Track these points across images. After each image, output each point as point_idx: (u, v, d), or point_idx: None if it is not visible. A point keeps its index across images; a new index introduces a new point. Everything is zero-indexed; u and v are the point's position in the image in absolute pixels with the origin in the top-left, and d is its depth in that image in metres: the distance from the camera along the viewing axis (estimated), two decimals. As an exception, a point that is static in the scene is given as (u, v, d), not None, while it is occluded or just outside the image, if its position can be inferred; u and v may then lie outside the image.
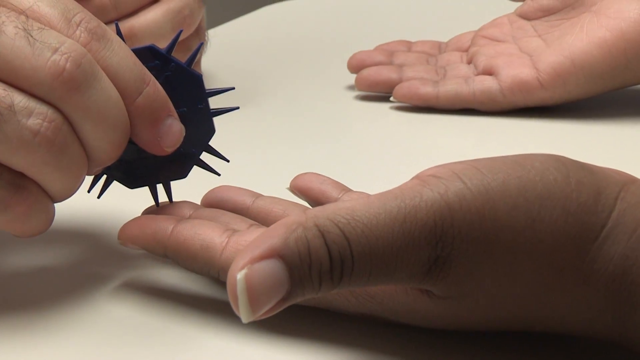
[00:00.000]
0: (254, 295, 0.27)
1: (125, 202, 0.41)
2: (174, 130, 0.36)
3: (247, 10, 0.92)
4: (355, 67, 0.64)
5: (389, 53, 0.65)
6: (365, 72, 0.62)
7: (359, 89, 0.63)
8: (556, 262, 0.29)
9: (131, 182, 0.38)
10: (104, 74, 0.34)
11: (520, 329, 0.31)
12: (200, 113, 0.38)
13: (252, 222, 0.37)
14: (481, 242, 0.29)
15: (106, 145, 0.35)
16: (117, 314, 0.36)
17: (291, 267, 0.28)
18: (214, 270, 0.35)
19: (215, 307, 0.36)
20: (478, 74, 0.60)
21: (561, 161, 0.30)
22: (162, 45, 0.58)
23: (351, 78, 0.65)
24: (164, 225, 0.35)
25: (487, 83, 0.59)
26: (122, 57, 0.35)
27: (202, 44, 0.41)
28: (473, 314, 0.30)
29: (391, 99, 0.60)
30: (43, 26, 0.34)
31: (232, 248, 0.34)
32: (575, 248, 0.29)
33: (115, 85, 0.34)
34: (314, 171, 0.41)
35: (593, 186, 0.29)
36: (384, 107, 0.61)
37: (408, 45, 0.67)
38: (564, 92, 0.57)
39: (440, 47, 0.67)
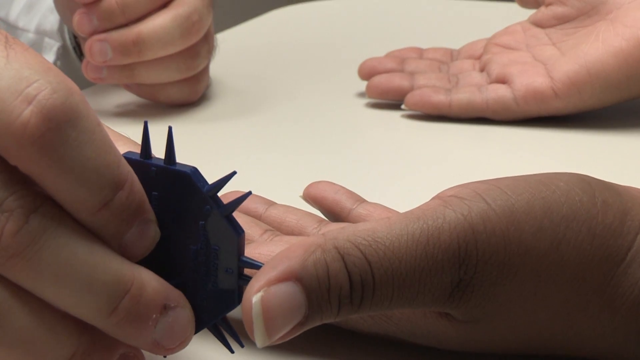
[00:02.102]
0: (270, 320, 0.27)
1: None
2: (137, 235, 0.28)
3: (255, 14, 0.91)
4: (366, 74, 0.63)
5: (400, 60, 0.64)
6: (377, 80, 0.62)
7: (370, 97, 0.62)
8: (581, 286, 0.28)
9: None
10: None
11: (541, 352, 0.30)
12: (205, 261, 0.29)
13: (266, 227, 0.37)
14: (505, 265, 0.28)
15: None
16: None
17: (309, 291, 0.27)
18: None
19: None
20: (491, 83, 0.60)
21: (586, 181, 0.29)
22: (169, 51, 0.58)
23: (362, 85, 0.64)
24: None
25: (500, 92, 0.58)
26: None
27: (234, 172, 0.29)
28: (493, 336, 0.29)
29: (403, 106, 0.60)
30: None
31: (245, 261, 0.34)
32: (600, 271, 0.28)
33: None
34: (325, 179, 0.40)
35: (619, 207, 0.29)
36: (396, 115, 0.61)
37: (419, 52, 0.66)
38: (579, 102, 0.57)
39: (452, 55, 0.66)
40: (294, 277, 0.27)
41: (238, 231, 0.28)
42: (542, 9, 0.62)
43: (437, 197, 0.29)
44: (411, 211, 0.29)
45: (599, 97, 0.56)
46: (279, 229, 0.38)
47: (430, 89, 0.59)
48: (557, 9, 0.61)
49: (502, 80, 0.59)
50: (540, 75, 0.57)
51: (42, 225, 0.26)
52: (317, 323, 0.27)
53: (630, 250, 0.28)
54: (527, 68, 0.58)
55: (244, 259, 0.28)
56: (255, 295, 0.27)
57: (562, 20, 0.61)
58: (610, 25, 0.57)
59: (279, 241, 0.34)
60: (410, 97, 0.59)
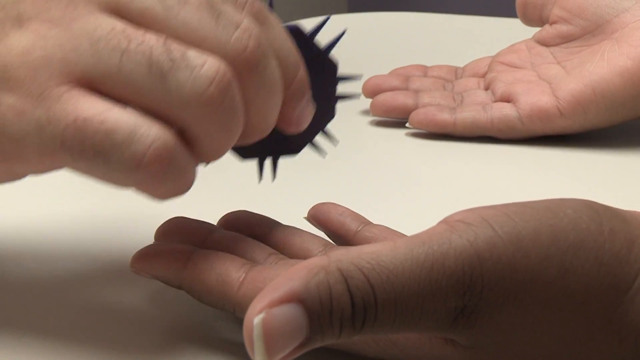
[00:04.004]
0: (271, 341, 0.26)
1: (137, 228, 0.41)
2: (308, 111, 0.37)
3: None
4: (371, 91, 0.63)
5: (404, 78, 0.64)
6: (381, 97, 0.61)
7: (374, 114, 0.62)
8: (587, 314, 0.28)
9: (244, 154, 0.39)
10: (273, 56, 0.34)
11: (547, 379, 0.30)
12: (327, 97, 0.39)
13: (271, 250, 0.37)
14: (511, 292, 0.28)
15: (263, 120, 0.34)
16: (123, 345, 0.35)
17: (311, 313, 0.27)
18: (229, 305, 0.34)
19: (228, 346, 0.35)
20: (496, 101, 0.60)
21: (594, 208, 0.29)
22: None
23: (366, 103, 0.64)
24: (179, 256, 0.35)
25: (505, 110, 0.58)
26: (283, 39, 0.35)
27: (345, 30, 0.41)
28: (498, 363, 0.29)
29: (407, 125, 0.59)
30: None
31: (249, 284, 0.33)
32: (607, 300, 0.28)
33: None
34: (329, 198, 0.40)
35: (626, 235, 0.28)
36: (400, 133, 0.60)
37: (424, 70, 0.66)
38: (584, 121, 0.57)
39: (456, 72, 0.66)
40: (297, 299, 0.27)
41: (335, 61, 0.39)
42: (547, 27, 0.62)
43: (444, 221, 0.29)
44: (417, 235, 0.29)
45: (604, 116, 0.56)
46: (284, 251, 0.38)
47: (435, 107, 0.59)
48: (562, 28, 0.61)
49: (507, 99, 0.59)
50: (545, 94, 0.57)
51: (267, 48, 0.34)
52: (318, 345, 0.27)
53: (637, 278, 0.28)
54: (532, 87, 0.58)
55: (340, 77, 0.39)
56: (257, 316, 0.26)
57: (567, 39, 0.61)
58: (615, 45, 0.57)
59: (284, 265, 0.34)
60: (414, 116, 0.59)
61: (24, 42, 0.32)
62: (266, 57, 0.33)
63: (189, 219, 0.38)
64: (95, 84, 0.32)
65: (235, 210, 0.40)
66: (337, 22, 0.91)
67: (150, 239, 0.44)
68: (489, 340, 0.28)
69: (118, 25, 0.32)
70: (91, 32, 0.32)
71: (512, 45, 0.65)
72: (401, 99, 0.61)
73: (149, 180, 0.32)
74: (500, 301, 0.28)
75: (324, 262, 0.27)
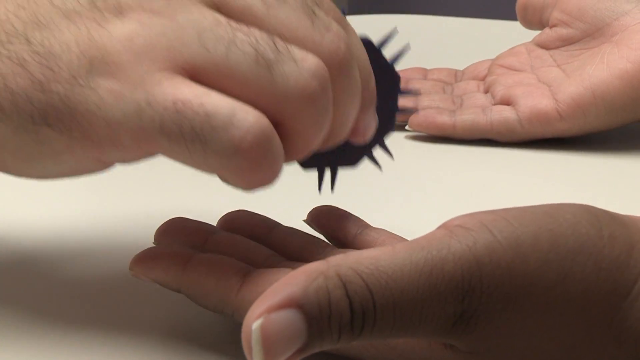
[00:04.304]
0: (269, 346, 0.26)
1: (137, 228, 0.41)
2: (374, 122, 0.37)
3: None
4: (371, 94, 0.63)
5: (404, 80, 0.64)
6: (381, 100, 0.61)
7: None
8: (586, 320, 0.28)
9: (306, 163, 0.40)
10: (355, 62, 0.35)
11: (546, 384, 0.30)
12: (388, 110, 0.39)
13: (271, 252, 0.37)
14: (510, 297, 0.28)
15: (343, 124, 0.35)
16: (121, 348, 0.35)
17: (310, 318, 0.27)
18: (228, 310, 0.34)
19: (227, 350, 0.35)
20: (495, 104, 0.60)
21: (593, 213, 0.29)
22: None
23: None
24: (178, 259, 0.35)
25: (505, 113, 0.58)
26: (361, 49, 0.36)
27: (407, 45, 0.42)
28: (498, 368, 0.29)
29: (407, 127, 0.59)
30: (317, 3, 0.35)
31: (248, 288, 0.33)
32: (607, 305, 0.28)
33: None
34: (328, 200, 0.40)
35: (626, 240, 0.28)
36: (400, 136, 0.60)
37: (424, 73, 0.66)
38: (584, 124, 0.57)
39: (456, 75, 0.66)
40: (295, 304, 0.27)
41: (398, 75, 0.39)
42: (547, 30, 0.62)
43: (443, 226, 0.29)
44: (416, 240, 0.28)
45: (604, 119, 0.56)
46: (283, 253, 0.38)
47: (435, 110, 0.59)
48: (562, 31, 0.61)
49: (506, 102, 0.59)
50: (544, 97, 0.57)
51: (353, 53, 0.34)
52: (317, 350, 0.27)
53: (636, 283, 0.28)
54: (532, 90, 0.58)
55: (402, 91, 0.40)
56: (255, 322, 0.26)
57: (566, 42, 0.61)
58: (615, 48, 0.57)
59: (283, 268, 0.34)
60: (414, 118, 0.59)
61: (127, 29, 0.32)
62: (353, 62, 0.34)
63: (188, 219, 0.38)
64: (198, 74, 0.32)
65: (234, 210, 0.40)
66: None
67: (150, 239, 0.44)
68: (488, 345, 0.28)
69: (222, 18, 0.32)
70: (196, 23, 0.32)
71: (512, 48, 0.65)
72: (400, 101, 0.61)
73: (246, 166, 0.32)
74: (499, 306, 0.28)
75: (323, 267, 0.27)
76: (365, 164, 0.43)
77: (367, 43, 0.38)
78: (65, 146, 0.33)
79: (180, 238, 0.37)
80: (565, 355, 0.28)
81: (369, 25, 0.91)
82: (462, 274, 0.27)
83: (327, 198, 0.50)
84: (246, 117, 0.31)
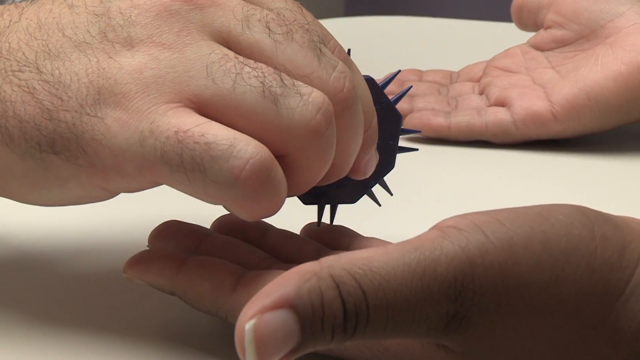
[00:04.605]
0: (262, 347, 0.26)
1: (131, 231, 0.41)
2: (375, 160, 0.38)
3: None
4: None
5: (399, 82, 0.64)
6: (376, 102, 0.62)
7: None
8: (579, 321, 0.28)
9: (306, 198, 0.40)
10: (359, 100, 0.36)
11: (539, 384, 0.30)
12: (389, 148, 0.40)
13: (264, 254, 0.37)
14: (502, 298, 0.28)
15: (345, 160, 0.35)
16: (115, 350, 0.35)
17: (303, 319, 0.27)
18: (222, 312, 0.34)
19: (222, 350, 0.35)
20: (490, 106, 0.60)
21: (585, 214, 0.29)
22: None
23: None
24: (172, 262, 0.35)
25: (499, 115, 0.58)
26: (365, 87, 0.37)
27: (410, 88, 0.42)
28: (491, 369, 0.29)
29: (402, 129, 0.59)
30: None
31: (242, 290, 0.33)
32: (599, 306, 0.28)
33: None
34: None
35: (618, 241, 0.28)
36: (395, 137, 0.60)
37: (419, 75, 0.66)
38: (578, 125, 0.57)
39: (451, 77, 0.66)
40: (288, 304, 0.27)
41: (400, 114, 0.40)
42: (542, 32, 0.62)
43: (436, 227, 0.29)
44: (409, 241, 0.29)
45: (598, 120, 0.56)
46: (277, 255, 0.38)
47: (430, 111, 0.59)
48: (557, 33, 0.61)
49: (501, 104, 0.59)
50: (539, 98, 0.57)
51: (356, 90, 0.35)
52: (310, 350, 0.27)
53: (629, 283, 0.28)
54: (527, 91, 0.58)
55: (402, 130, 0.41)
56: (248, 322, 0.26)
57: (561, 44, 0.61)
58: (609, 49, 0.57)
59: (277, 270, 0.34)
60: (409, 120, 0.59)
61: (136, 61, 0.33)
62: (357, 99, 0.35)
63: (182, 222, 0.38)
64: (206, 106, 0.33)
65: (228, 213, 0.40)
66: (333, 27, 0.91)
67: (144, 242, 0.44)
68: (481, 346, 0.28)
69: (230, 53, 0.33)
70: (205, 57, 0.33)
71: (507, 50, 0.65)
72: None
73: (246, 196, 0.32)
74: (491, 307, 0.28)
75: (316, 268, 0.27)
76: (365, 199, 0.44)
77: (370, 81, 0.39)
78: (71, 174, 0.33)
79: (174, 241, 0.37)
80: (558, 357, 0.28)
81: (364, 27, 0.91)
82: (454, 274, 0.27)
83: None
84: (246, 148, 0.32)
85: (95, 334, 0.36)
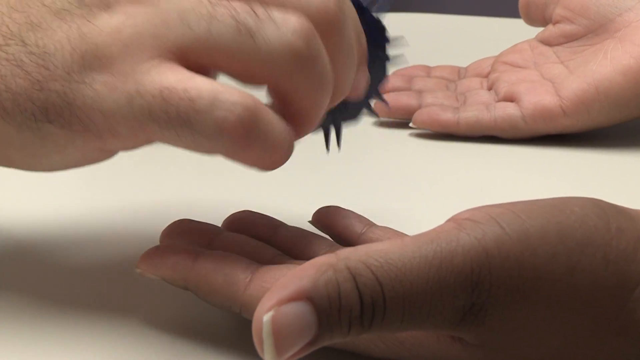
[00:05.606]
0: (280, 339, 0.26)
1: (143, 226, 0.41)
2: (366, 77, 0.38)
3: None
4: (374, 92, 0.63)
5: (407, 78, 0.64)
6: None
7: (378, 115, 0.62)
8: (594, 312, 0.28)
9: None
10: (349, 21, 0.35)
11: (554, 377, 0.30)
12: (379, 61, 0.41)
13: (276, 252, 0.37)
14: (519, 290, 0.28)
15: (344, 81, 0.35)
16: (128, 345, 0.35)
17: (320, 311, 0.27)
18: (236, 306, 0.34)
19: (236, 344, 0.35)
20: (499, 101, 0.60)
21: (600, 206, 0.29)
22: None
23: (369, 103, 0.64)
24: (186, 257, 0.35)
25: (508, 110, 0.58)
26: (350, 6, 0.36)
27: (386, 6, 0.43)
28: (506, 361, 0.29)
29: (411, 125, 0.60)
30: None
31: (256, 285, 0.33)
32: (614, 297, 0.28)
33: None
34: (332, 198, 0.40)
35: (633, 233, 0.28)
36: (403, 133, 0.60)
37: (427, 70, 0.66)
38: (588, 120, 0.57)
39: (459, 73, 0.66)
40: (305, 296, 0.27)
41: (385, 26, 0.41)
42: (550, 27, 0.62)
43: (452, 219, 0.29)
44: (425, 233, 0.29)
45: (608, 115, 0.56)
46: (289, 252, 0.38)
47: (438, 107, 0.59)
48: (565, 27, 0.61)
49: (510, 99, 0.59)
50: (548, 93, 0.57)
51: (347, 11, 0.35)
52: (327, 342, 0.27)
53: (644, 275, 0.28)
54: (535, 86, 0.58)
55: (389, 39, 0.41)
56: (266, 314, 0.27)
57: (570, 39, 0.61)
58: (618, 44, 0.57)
59: (291, 264, 0.34)
60: (418, 115, 0.59)
61: (114, 22, 0.33)
62: (346, 20, 0.35)
63: (193, 221, 0.38)
64: (187, 54, 0.33)
65: (239, 210, 0.40)
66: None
67: (155, 240, 0.44)
68: (497, 338, 0.28)
69: None
70: (178, 5, 0.33)
71: (515, 45, 0.65)
72: (404, 99, 0.61)
73: (234, 144, 0.32)
74: (508, 299, 0.28)
75: (332, 260, 0.28)
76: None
77: (354, 2, 0.39)
78: (68, 140, 0.34)
79: (186, 239, 0.37)
80: (573, 348, 0.28)
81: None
82: (471, 266, 0.28)
83: (331, 197, 0.50)
84: (228, 98, 0.32)
85: (108, 330, 0.36)
